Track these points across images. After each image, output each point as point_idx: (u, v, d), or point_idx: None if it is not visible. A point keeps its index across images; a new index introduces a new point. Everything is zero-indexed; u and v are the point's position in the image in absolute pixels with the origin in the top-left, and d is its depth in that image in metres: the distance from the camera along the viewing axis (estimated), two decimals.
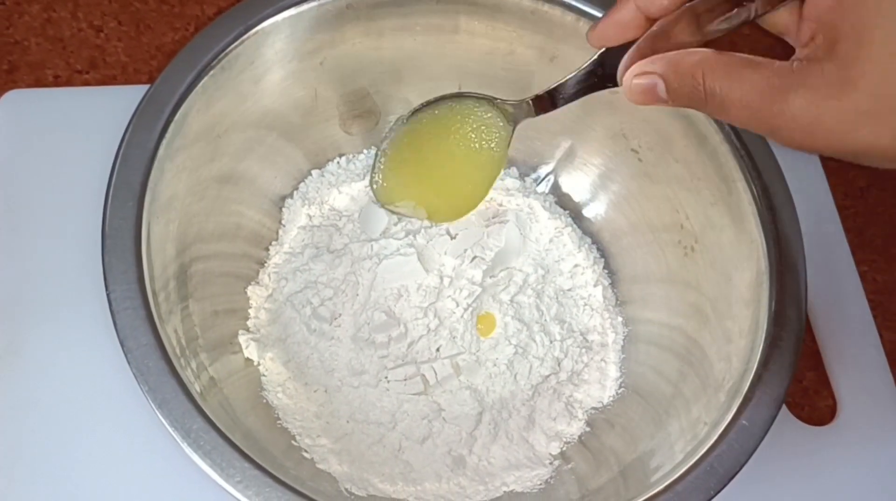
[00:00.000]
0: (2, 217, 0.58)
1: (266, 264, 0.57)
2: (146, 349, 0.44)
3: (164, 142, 0.49)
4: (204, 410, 0.44)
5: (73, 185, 0.59)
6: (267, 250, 0.58)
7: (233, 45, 0.52)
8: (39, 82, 0.63)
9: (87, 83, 0.64)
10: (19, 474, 0.51)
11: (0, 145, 0.60)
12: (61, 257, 0.57)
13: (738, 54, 0.37)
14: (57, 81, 0.63)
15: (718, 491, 0.45)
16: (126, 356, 0.44)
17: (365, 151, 0.61)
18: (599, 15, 0.54)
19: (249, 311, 0.55)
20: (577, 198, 0.61)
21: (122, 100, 0.53)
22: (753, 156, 0.52)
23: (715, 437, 0.46)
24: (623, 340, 0.57)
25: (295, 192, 0.59)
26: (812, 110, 0.35)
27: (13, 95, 0.61)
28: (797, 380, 0.60)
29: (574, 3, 0.55)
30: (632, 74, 0.40)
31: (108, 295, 0.45)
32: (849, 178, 0.68)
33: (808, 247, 0.51)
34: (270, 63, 0.55)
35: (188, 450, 0.43)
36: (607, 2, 0.55)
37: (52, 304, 0.56)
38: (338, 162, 0.60)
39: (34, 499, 0.51)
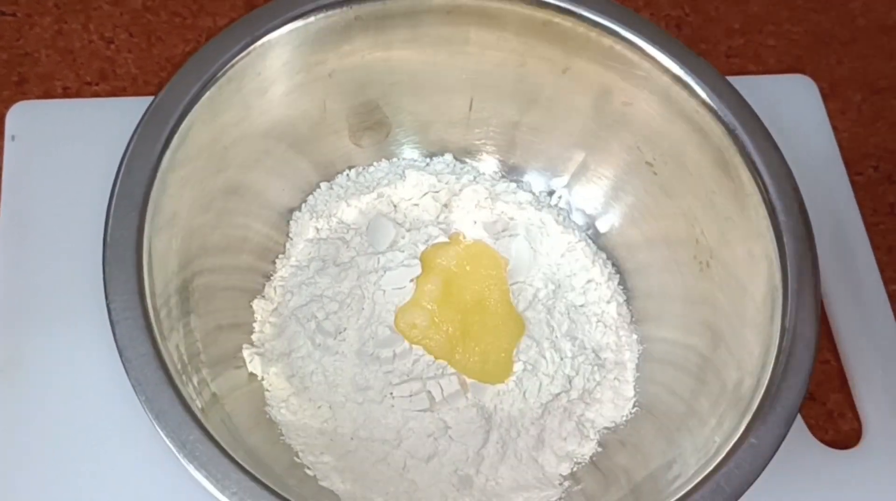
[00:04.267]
0: (10, 229, 0.57)
1: (272, 278, 0.56)
2: (145, 359, 0.44)
3: (168, 153, 0.48)
4: (201, 421, 0.43)
5: (80, 197, 0.58)
6: (273, 263, 0.57)
7: (239, 56, 0.51)
8: (48, 94, 0.63)
9: (96, 95, 0.63)
10: (19, 485, 0.51)
11: (8, 157, 0.59)
12: (66, 270, 0.56)
13: None
14: (66, 93, 0.63)
15: None
16: (124, 365, 0.43)
17: (375, 163, 0.60)
18: (613, 27, 0.54)
19: (254, 325, 0.54)
20: (590, 211, 0.60)
21: (131, 111, 0.52)
22: (769, 170, 0.51)
23: (723, 455, 0.45)
24: (637, 358, 0.56)
25: (303, 204, 0.58)
26: None
27: (22, 106, 0.61)
28: (821, 402, 0.58)
29: (587, 15, 0.54)
30: None
31: (107, 305, 0.45)
32: (878, 194, 0.66)
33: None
34: (278, 74, 0.54)
35: (184, 461, 0.42)
36: (620, 13, 0.54)
37: (54, 316, 0.55)
38: (347, 174, 0.60)
39: None
